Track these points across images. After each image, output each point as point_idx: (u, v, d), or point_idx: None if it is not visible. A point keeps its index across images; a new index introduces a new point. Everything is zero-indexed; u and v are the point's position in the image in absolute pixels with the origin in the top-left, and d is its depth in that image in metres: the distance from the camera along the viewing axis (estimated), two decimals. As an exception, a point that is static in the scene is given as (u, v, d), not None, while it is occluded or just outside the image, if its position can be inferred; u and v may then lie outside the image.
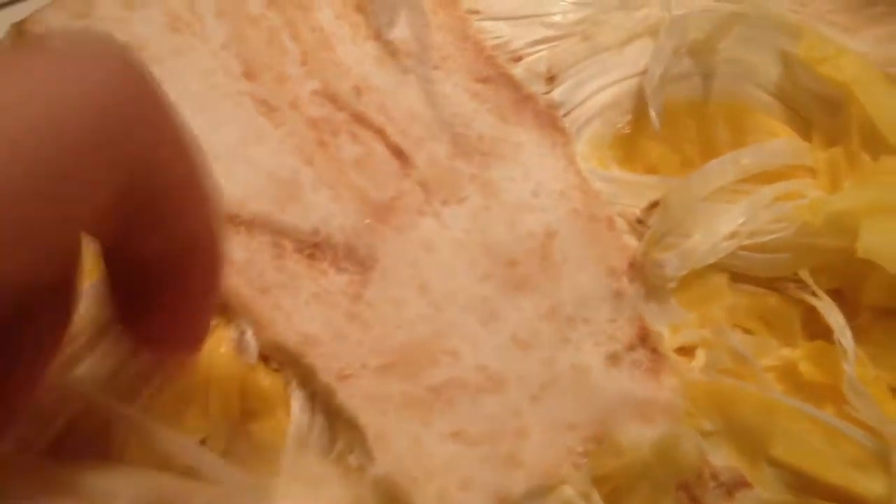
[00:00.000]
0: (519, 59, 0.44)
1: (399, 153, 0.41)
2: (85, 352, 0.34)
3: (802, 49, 0.43)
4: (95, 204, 0.23)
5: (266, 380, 0.36)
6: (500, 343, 0.37)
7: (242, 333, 0.36)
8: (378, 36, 0.44)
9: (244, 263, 0.37)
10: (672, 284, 0.39)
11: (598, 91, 0.43)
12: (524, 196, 0.40)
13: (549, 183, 0.41)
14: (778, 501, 0.36)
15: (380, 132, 0.41)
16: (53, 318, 0.28)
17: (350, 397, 0.35)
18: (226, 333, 0.36)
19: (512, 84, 0.43)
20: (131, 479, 0.30)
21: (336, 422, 0.35)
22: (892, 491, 0.35)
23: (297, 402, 0.35)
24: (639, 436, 0.36)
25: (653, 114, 0.42)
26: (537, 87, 0.43)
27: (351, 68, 0.43)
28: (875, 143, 0.41)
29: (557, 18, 0.45)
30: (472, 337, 0.37)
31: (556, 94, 0.43)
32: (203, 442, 0.34)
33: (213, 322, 0.36)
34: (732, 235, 0.39)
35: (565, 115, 0.43)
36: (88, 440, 0.32)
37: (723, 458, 0.36)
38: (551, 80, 0.44)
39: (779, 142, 0.42)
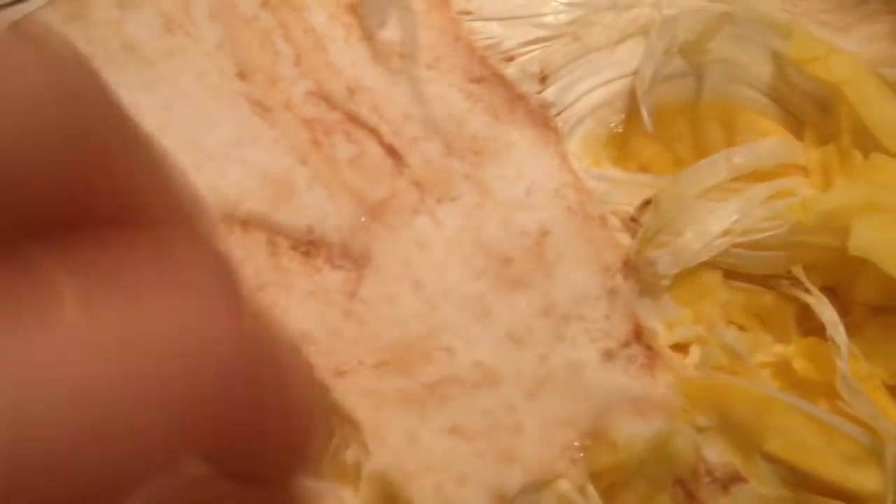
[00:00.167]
0: (511, 59, 0.44)
1: (393, 152, 0.41)
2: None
3: (792, 49, 0.43)
4: None
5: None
6: (495, 340, 0.37)
7: (238, 331, 0.36)
8: (370, 37, 0.44)
9: (239, 262, 0.37)
10: (666, 282, 0.39)
11: (590, 91, 0.44)
12: (518, 194, 0.40)
13: (543, 181, 0.41)
14: (773, 496, 0.36)
15: (373, 132, 0.41)
16: None
17: (346, 394, 0.35)
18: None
19: (504, 84, 0.43)
20: None
21: (332, 418, 0.35)
22: (886, 486, 0.36)
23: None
24: (634, 432, 0.36)
25: (644, 114, 0.42)
26: (530, 87, 0.43)
27: (344, 69, 0.43)
28: (866, 142, 0.42)
29: (549, 19, 0.45)
30: (466, 334, 0.37)
31: (549, 93, 0.43)
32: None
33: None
34: (725, 233, 0.39)
35: (558, 115, 0.43)
36: None
37: (718, 454, 0.36)
38: (543, 79, 0.44)
39: (770, 140, 0.43)
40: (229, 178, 0.39)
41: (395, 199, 0.40)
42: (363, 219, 0.39)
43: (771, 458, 0.36)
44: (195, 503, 0.25)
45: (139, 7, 0.43)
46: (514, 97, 0.43)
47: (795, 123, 0.44)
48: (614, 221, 0.41)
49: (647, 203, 0.40)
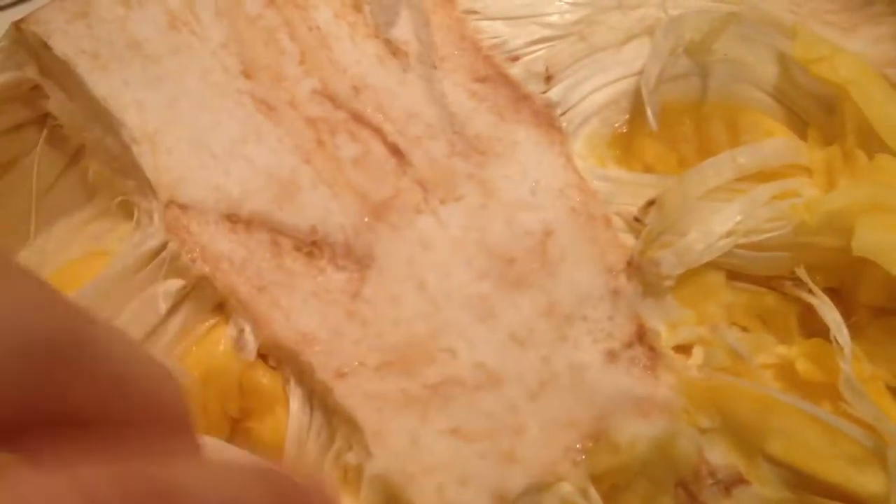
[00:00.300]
0: (516, 58, 0.44)
1: (397, 152, 0.41)
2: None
3: (797, 49, 0.43)
4: None
5: (265, 377, 0.36)
6: (498, 341, 0.37)
7: (241, 331, 0.36)
8: (377, 35, 0.44)
9: (242, 261, 0.38)
10: (669, 282, 0.39)
11: (595, 90, 0.43)
12: (522, 194, 0.40)
13: (547, 181, 0.41)
14: (775, 498, 0.36)
15: (378, 131, 0.41)
16: None
17: (348, 395, 0.35)
18: (224, 331, 0.36)
19: (510, 83, 0.43)
20: None
21: (334, 419, 0.35)
22: (889, 487, 0.36)
23: (295, 400, 0.36)
24: (636, 433, 0.36)
25: (650, 113, 0.42)
26: (535, 87, 0.43)
27: (349, 67, 0.43)
28: (870, 143, 0.42)
29: (554, 19, 0.45)
30: (469, 335, 0.37)
31: (554, 93, 0.43)
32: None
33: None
34: (729, 234, 0.39)
35: (563, 115, 0.43)
36: None
37: (720, 456, 0.36)
38: (549, 79, 0.44)
39: (775, 141, 0.42)
40: (233, 177, 0.39)
41: (398, 199, 0.40)
42: (367, 218, 0.39)
43: (773, 460, 0.36)
44: None
45: (144, 4, 0.43)
46: (520, 97, 0.43)
47: (800, 124, 0.44)
48: (618, 222, 0.41)
49: (650, 203, 0.40)
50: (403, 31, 0.44)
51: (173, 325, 0.38)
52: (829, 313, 0.38)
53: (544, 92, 0.43)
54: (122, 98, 0.40)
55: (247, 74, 0.42)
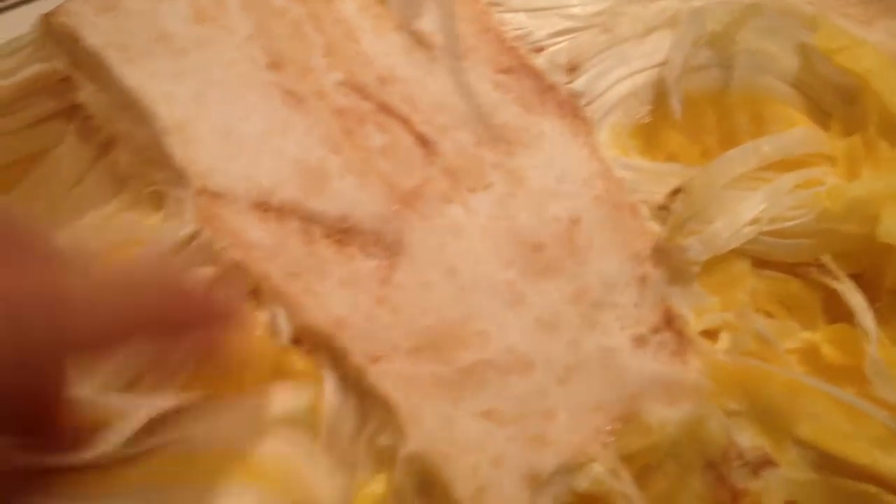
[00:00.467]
0: (540, 50, 0.45)
1: (424, 141, 0.41)
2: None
3: (819, 40, 0.44)
4: None
5: (299, 362, 0.36)
6: (527, 326, 0.38)
7: (274, 316, 0.37)
8: (402, 27, 0.44)
9: (274, 249, 0.38)
10: (695, 269, 0.39)
11: (618, 81, 0.44)
12: (548, 183, 0.41)
13: (573, 171, 0.41)
14: (802, 480, 0.36)
15: (405, 121, 0.42)
16: None
17: (381, 379, 0.35)
18: (258, 317, 0.37)
19: (534, 74, 0.44)
20: None
21: (368, 402, 0.36)
22: (915, 469, 0.36)
23: (329, 383, 0.36)
24: (665, 416, 0.36)
25: (674, 103, 0.42)
26: (559, 78, 0.44)
27: (375, 59, 0.43)
28: (892, 132, 0.42)
29: (576, 10, 0.46)
30: (499, 320, 0.38)
31: (578, 84, 0.44)
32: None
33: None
34: (754, 221, 0.40)
35: (587, 105, 0.44)
36: None
37: (748, 438, 0.37)
38: (572, 70, 0.44)
39: (797, 131, 0.43)
40: (263, 168, 0.40)
41: (427, 188, 0.40)
42: (396, 207, 0.39)
43: (801, 443, 0.36)
44: None
45: (171, -2, 0.44)
46: (544, 88, 0.43)
47: (821, 114, 0.44)
48: (644, 210, 0.41)
49: (676, 191, 0.41)
50: (428, 22, 0.45)
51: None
52: (855, 298, 0.39)
53: (568, 83, 0.44)
54: (153, 90, 0.41)
55: (274, 66, 0.42)
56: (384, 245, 0.39)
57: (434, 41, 0.44)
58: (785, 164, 0.42)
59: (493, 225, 0.40)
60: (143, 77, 0.41)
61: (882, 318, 0.39)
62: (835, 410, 0.37)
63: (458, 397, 0.36)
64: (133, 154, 0.41)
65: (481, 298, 0.38)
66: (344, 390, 0.36)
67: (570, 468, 0.35)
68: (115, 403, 0.32)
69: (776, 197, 0.40)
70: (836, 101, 0.44)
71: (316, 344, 0.37)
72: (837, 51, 0.43)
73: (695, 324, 0.39)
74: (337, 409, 0.35)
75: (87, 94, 0.42)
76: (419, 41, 0.44)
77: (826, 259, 0.40)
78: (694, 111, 0.43)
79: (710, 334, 0.39)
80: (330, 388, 0.36)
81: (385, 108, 0.42)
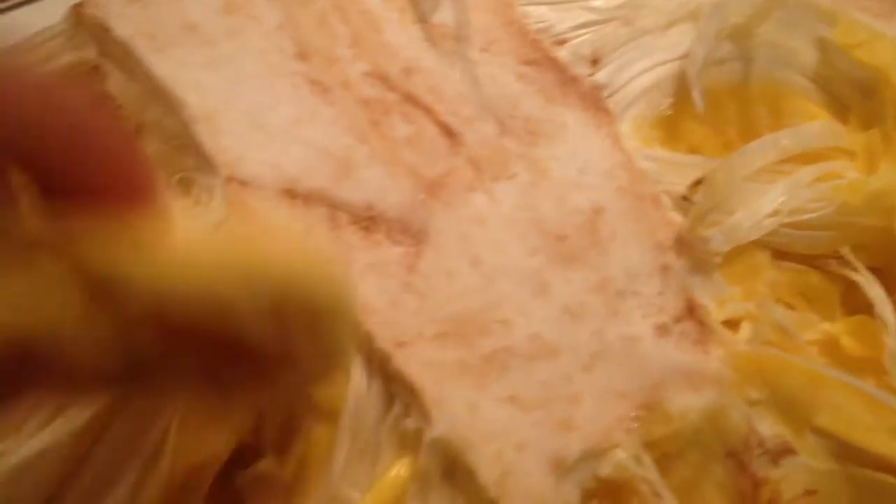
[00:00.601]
0: (563, 42, 0.45)
1: (449, 132, 0.42)
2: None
3: (838, 34, 0.44)
4: None
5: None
6: (551, 314, 0.38)
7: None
8: (425, 19, 0.45)
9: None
10: (717, 259, 0.40)
11: (640, 73, 0.44)
12: (571, 174, 0.41)
13: (596, 162, 0.42)
14: (822, 469, 0.37)
15: (430, 112, 0.42)
16: None
17: (407, 363, 0.36)
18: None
19: (557, 67, 0.44)
20: None
21: (393, 386, 0.36)
22: (934, 460, 0.36)
23: (355, 367, 0.36)
24: (687, 404, 0.37)
25: (696, 95, 0.43)
26: (581, 70, 0.44)
27: (400, 50, 0.44)
28: (910, 126, 0.42)
29: (599, 3, 0.46)
30: (523, 308, 0.38)
31: (600, 76, 0.44)
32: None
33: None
34: (774, 213, 0.40)
35: (609, 97, 0.44)
36: None
37: (769, 427, 0.37)
38: (595, 62, 0.45)
39: (816, 124, 0.43)
40: (291, 156, 0.40)
41: (451, 177, 0.41)
42: (421, 196, 0.40)
43: (820, 432, 0.37)
44: None
45: (199, -12, 0.44)
46: (567, 79, 0.44)
47: (840, 108, 0.45)
48: (666, 200, 0.41)
49: (698, 182, 0.41)
50: (450, 15, 0.45)
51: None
52: (874, 290, 0.39)
53: (591, 75, 0.44)
54: (182, 79, 0.41)
55: (301, 56, 0.43)
56: (410, 233, 0.39)
57: (458, 33, 0.44)
58: (804, 158, 0.42)
59: (517, 215, 0.40)
60: (173, 66, 0.42)
61: (900, 310, 0.39)
62: (854, 400, 0.37)
63: (483, 383, 0.36)
64: (162, 142, 0.42)
65: (506, 286, 0.38)
66: (369, 374, 0.36)
67: (594, 454, 0.35)
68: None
69: (796, 189, 0.41)
70: (854, 95, 0.44)
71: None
72: (856, 45, 0.44)
73: (716, 313, 0.39)
74: (362, 393, 0.36)
75: (116, 82, 0.42)
76: (442, 33, 0.44)
77: (845, 251, 0.40)
78: (715, 103, 0.44)
79: (732, 324, 0.40)
80: (355, 372, 0.36)
81: (410, 99, 0.42)
